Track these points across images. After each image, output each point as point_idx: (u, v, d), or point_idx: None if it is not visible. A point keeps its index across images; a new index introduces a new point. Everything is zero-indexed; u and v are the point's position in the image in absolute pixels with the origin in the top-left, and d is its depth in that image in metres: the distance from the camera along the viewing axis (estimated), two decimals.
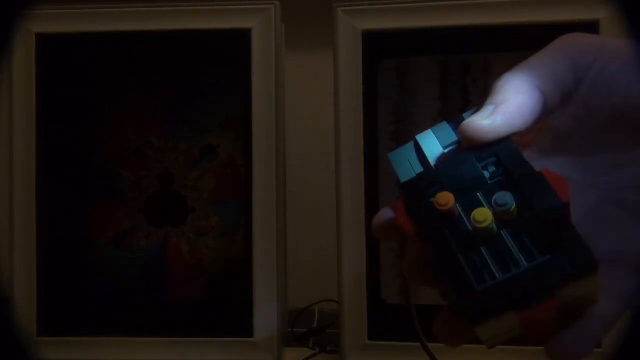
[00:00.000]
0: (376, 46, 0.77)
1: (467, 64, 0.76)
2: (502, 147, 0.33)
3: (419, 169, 0.34)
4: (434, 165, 0.34)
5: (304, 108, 0.95)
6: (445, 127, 0.36)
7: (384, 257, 0.77)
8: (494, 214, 0.31)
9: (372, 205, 0.76)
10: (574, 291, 0.30)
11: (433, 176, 0.33)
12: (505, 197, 0.31)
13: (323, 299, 0.90)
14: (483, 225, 0.30)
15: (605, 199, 0.35)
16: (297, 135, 0.93)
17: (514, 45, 0.72)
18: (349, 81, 0.77)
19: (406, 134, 0.77)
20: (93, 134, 0.81)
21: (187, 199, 0.80)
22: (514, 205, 0.30)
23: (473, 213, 0.30)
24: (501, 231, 0.31)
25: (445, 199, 0.31)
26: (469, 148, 0.33)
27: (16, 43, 0.79)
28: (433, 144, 0.35)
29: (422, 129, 0.37)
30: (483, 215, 0.30)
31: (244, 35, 0.78)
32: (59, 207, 0.81)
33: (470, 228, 0.31)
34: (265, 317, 0.77)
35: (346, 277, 0.77)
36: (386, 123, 0.78)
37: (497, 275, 0.29)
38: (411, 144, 0.36)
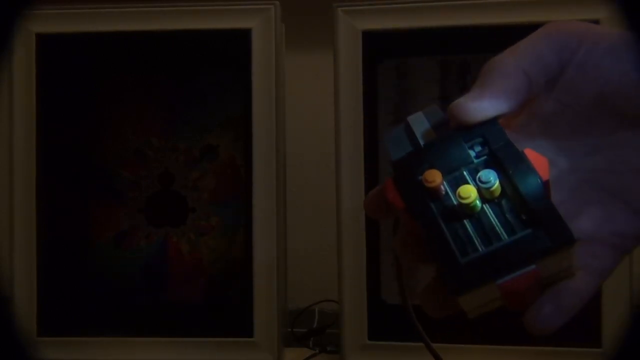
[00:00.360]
0: (376, 46, 0.77)
1: (467, 64, 0.76)
2: (488, 128, 0.34)
3: (410, 148, 0.36)
4: (423, 145, 0.35)
5: (304, 108, 0.95)
6: (435, 109, 0.37)
7: (384, 257, 0.77)
8: (478, 191, 0.32)
9: None
10: (552, 264, 0.31)
11: (422, 155, 0.35)
12: (488, 175, 0.32)
13: (323, 299, 0.90)
14: (467, 201, 0.32)
15: (587, 181, 0.36)
16: (297, 135, 0.93)
17: None
18: (349, 81, 0.77)
19: None
20: (93, 134, 0.81)
21: (187, 199, 0.80)
22: (497, 183, 0.32)
23: (458, 189, 0.32)
24: (485, 207, 0.32)
25: (433, 176, 0.33)
26: (457, 128, 0.35)
27: (16, 43, 0.79)
28: (423, 125, 0.37)
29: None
30: (467, 191, 0.32)
31: (244, 35, 0.78)
32: (59, 207, 0.81)
33: (456, 204, 0.32)
34: (265, 317, 0.77)
35: (346, 277, 0.77)
36: (386, 123, 0.78)
37: (480, 249, 0.31)
38: (402, 127, 0.37)
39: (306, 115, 0.95)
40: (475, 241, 0.31)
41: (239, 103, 0.79)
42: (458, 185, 0.32)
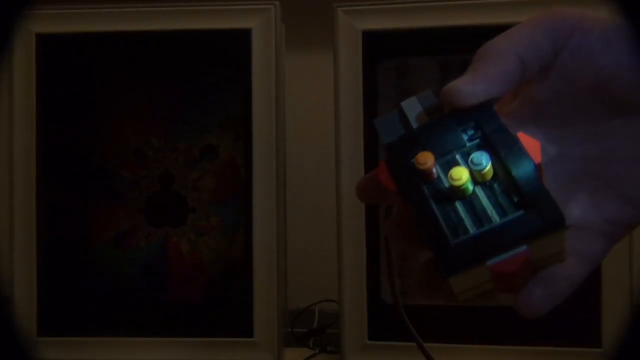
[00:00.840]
0: (376, 46, 0.77)
1: (467, 64, 0.76)
2: (481, 111, 0.34)
3: (402, 132, 0.36)
4: (416, 128, 0.35)
5: (304, 108, 0.95)
6: (429, 94, 0.37)
7: (384, 257, 0.77)
8: (470, 173, 0.32)
9: (371, 205, 0.76)
10: (543, 247, 0.31)
11: (414, 137, 0.35)
12: (481, 157, 0.32)
13: (323, 299, 0.90)
14: (459, 183, 0.32)
15: (578, 169, 0.36)
16: (297, 135, 0.93)
17: None
18: (349, 81, 0.77)
19: None
20: (93, 134, 0.81)
21: (187, 199, 0.80)
22: (489, 165, 0.32)
23: (450, 171, 0.32)
24: (476, 189, 0.32)
25: (425, 158, 0.33)
26: (450, 112, 0.35)
27: (16, 43, 0.79)
28: (416, 110, 0.36)
29: None
30: (459, 173, 0.32)
31: (244, 35, 0.78)
32: (59, 207, 0.81)
33: (448, 186, 0.33)
34: (265, 317, 0.77)
35: (346, 277, 0.77)
36: None
37: (471, 230, 0.31)
38: (396, 112, 0.37)
39: (306, 115, 0.95)
40: (467, 223, 0.31)
41: (239, 103, 0.79)
42: (450, 168, 0.32)
